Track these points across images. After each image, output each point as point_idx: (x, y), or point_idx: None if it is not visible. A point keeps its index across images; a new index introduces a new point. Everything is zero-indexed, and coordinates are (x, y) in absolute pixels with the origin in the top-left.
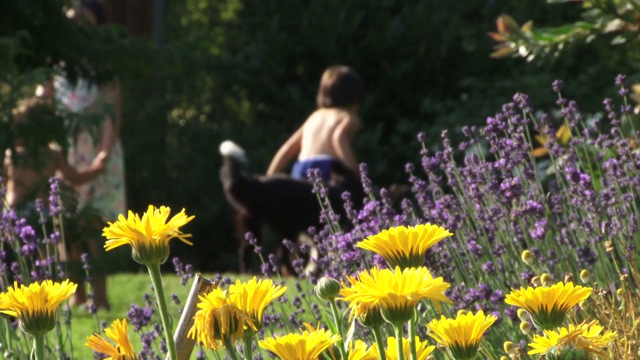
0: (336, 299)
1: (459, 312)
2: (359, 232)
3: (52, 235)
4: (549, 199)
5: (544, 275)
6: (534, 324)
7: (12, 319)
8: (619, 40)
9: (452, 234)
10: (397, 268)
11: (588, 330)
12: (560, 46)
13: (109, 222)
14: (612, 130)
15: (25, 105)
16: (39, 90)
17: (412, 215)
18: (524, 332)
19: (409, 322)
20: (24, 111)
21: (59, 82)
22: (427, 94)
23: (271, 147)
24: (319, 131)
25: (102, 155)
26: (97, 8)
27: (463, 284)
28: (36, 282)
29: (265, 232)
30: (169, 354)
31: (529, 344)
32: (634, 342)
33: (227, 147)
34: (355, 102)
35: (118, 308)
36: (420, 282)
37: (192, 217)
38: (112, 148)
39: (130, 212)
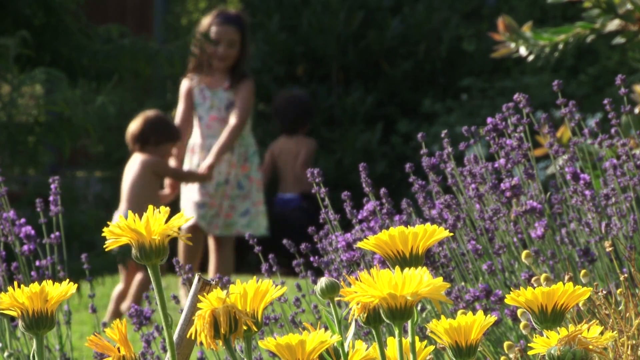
0: (336, 299)
1: (459, 312)
2: (359, 232)
3: (52, 235)
4: (549, 199)
5: (544, 275)
6: (534, 324)
7: (12, 319)
8: (619, 40)
9: (452, 234)
10: (397, 268)
11: (588, 330)
12: (560, 46)
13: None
14: (612, 130)
15: (143, 117)
16: (179, 109)
17: (412, 215)
18: (524, 332)
19: (409, 322)
20: (141, 123)
21: (201, 102)
22: (427, 94)
23: None
24: (294, 165)
25: (208, 161)
26: (242, 26)
27: (463, 284)
28: (36, 282)
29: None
30: (169, 354)
31: (529, 344)
32: (634, 342)
33: None
34: (307, 125)
35: None
36: (420, 282)
37: (192, 217)
38: (247, 163)
39: (130, 212)
